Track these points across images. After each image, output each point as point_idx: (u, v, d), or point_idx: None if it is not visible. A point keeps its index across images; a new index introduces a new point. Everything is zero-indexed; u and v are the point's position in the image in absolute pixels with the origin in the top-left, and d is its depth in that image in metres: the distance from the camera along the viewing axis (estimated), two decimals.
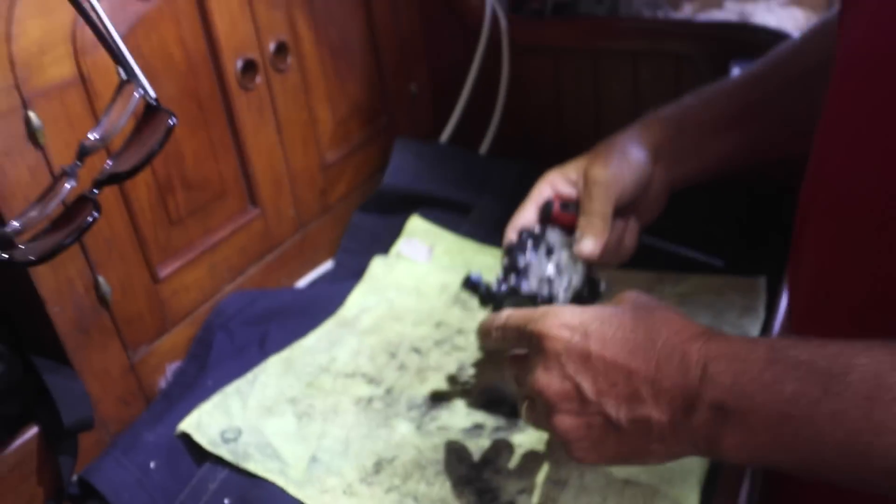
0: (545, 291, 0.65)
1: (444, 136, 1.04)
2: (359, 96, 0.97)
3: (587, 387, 0.48)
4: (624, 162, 0.69)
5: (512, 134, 1.04)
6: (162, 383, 0.77)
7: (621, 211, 0.69)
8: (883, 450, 0.39)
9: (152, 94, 0.54)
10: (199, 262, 0.79)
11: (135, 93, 0.54)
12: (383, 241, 0.95)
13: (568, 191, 0.72)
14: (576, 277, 0.67)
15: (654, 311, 0.49)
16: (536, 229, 0.70)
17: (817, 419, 0.41)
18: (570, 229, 0.70)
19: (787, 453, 0.43)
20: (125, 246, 0.71)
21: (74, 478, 0.66)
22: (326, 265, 0.96)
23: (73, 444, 0.67)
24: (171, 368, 0.78)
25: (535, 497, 0.61)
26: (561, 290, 0.66)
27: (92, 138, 0.54)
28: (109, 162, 0.54)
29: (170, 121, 0.53)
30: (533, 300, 0.65)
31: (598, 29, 0.94)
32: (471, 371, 0.75)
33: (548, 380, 0.50)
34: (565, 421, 0.49)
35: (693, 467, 0.60)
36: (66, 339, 0.67)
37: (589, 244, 0.68)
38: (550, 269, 0.67)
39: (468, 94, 1.03)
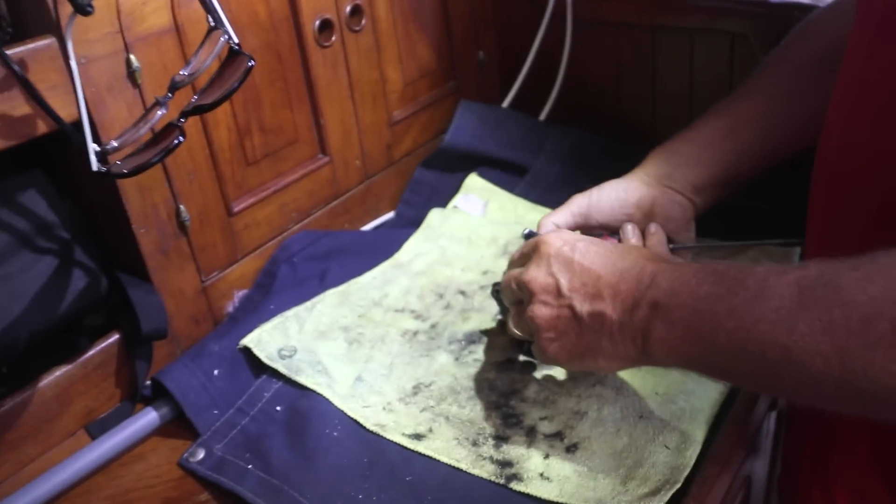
0: None
1: (507, 101, 1.09)
2: (428, 60, 1.03)
3: (564, 283, 0.58)
4: (604, 190, 0.79)
5: (571, 103, 1.09)
6: (229, 308, 0.85)
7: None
8: (757, 336, 0.46)
9: (235, 39, 0.62)
10: (270, 201, 0.87)
11: (221, 38, 0.61)
12: (442, 196, 1.02)
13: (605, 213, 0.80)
14: None
15: (636, 247, 0.63)
16: None
17: (718, 311, 0.49)
18: None
19: (695, 345, 0.51)
20: (205, 180, 0.79)
21: (148, 381, 0.75)
22: (387, 215, 1.03)
23: (148, 351, 0.76)
24: (239, 295, 0.86)
25: (555, 424, 0.66)
26: None
27: (182, 74, 0.62)
28: (195, 97, 0.62)
29: (249, 63, 0.61)
30: None
31: (657, 5, 0.97)
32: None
33: (536, 273, 0.60)
34: (541, 309, 0.59)
35: (703, 406, 0.64)
36: (149, 259, 0.75)
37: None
38: None
39: (531, 63, 1.08)
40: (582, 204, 0.79)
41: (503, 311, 0.76)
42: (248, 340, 0.74)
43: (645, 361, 0.56)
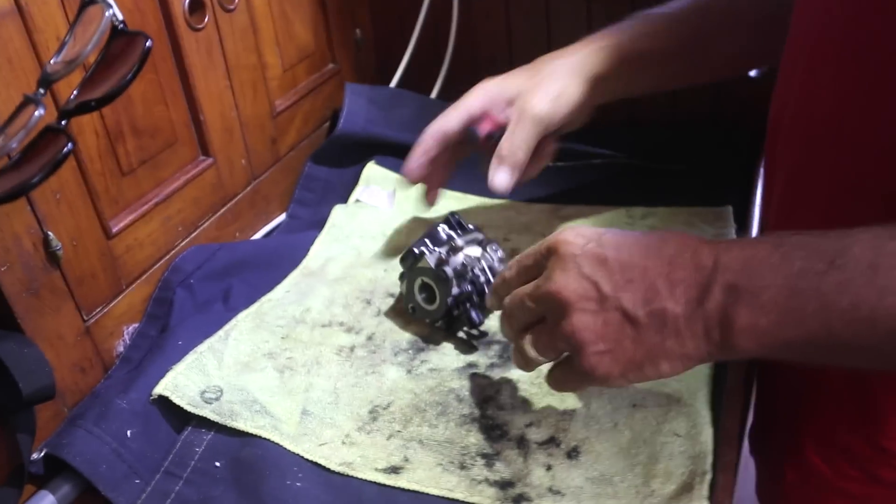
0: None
1: (394, 80, 1.00)
2: (306, 40, 0.92)
3: (605, 283, 0.47)
4: (562, 97, 0.69)
5: (462, 79, 1.01)
6: (119, 347, 0.71)
7: None
8: (885, 311, 0.40)
9: (119, 15, 0.49)
10: (153, 215, 0.73)
11: (104, 14, 0.48)
12: (338, 192, 0.92)
13: (498, 109, 0.72)
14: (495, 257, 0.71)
15: (669, 230, 0.50)
16: (443, 234, 0.71)
17: (824, 289, 0.42)
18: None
19: (796, 329, 0.43)
20: (75, 198, 0.65)
21: (36, 454, 0.60)
22: (279, 218, 0.91)
23: (30, 418, 0.61)
24: (129, 331, 0.72)
25: (545, 429, 0.59)
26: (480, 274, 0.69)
27: (55, 63, 0.48)
28: (76, 93, 0.49)
29: (146, 43, 0.48)
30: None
31: None
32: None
33: (564, 280, 0.48)
34: (583, 319, 0.48)
35: (697, 383, 0.60)
36: (15, 303, 0.60)
37: (504, 177, 0.69)
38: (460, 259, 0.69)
39: (416, 39, 0.99)
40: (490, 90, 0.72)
41: (407, 296, 0.71)
42: (162, 388, 0.61)
43: (722, 355, 0.47)
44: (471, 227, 0.73)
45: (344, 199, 0.90)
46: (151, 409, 0.61)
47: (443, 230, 0.71)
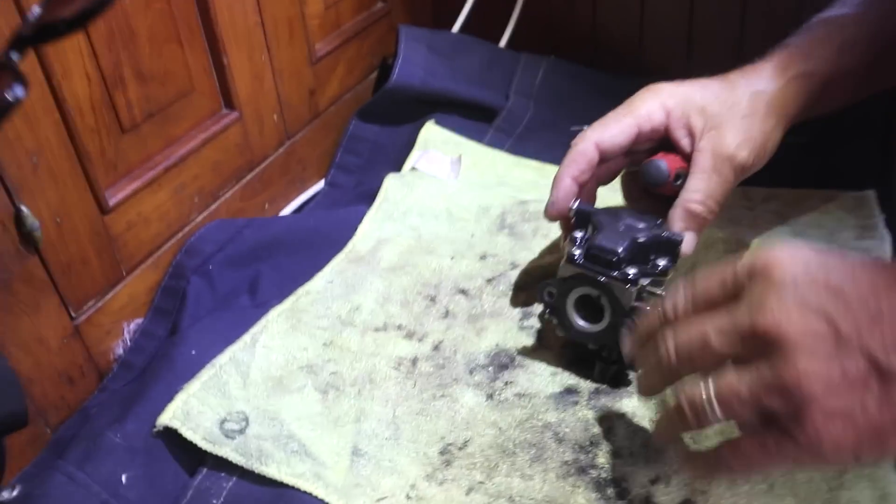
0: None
1: (457, 25, 0.84)
2: None
3: (843, 321, 0.34)
4: (767, 146, 0.53)
5: (535, 24, 0.85)
6: (119, 349, 0.56)
7: None
8: None
9: None
10: (162, 183, 0.58)
11: None
12: (389, 156, 0.76)
13: (677, 129, 0.53)
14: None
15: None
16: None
17: None
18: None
19: None
20: (59, 162, 0.50)
21: (7, 493, 0.46)
22: (317, 186, 0.76)
23: None
24: (131, 329, 0.57)
25: (677, 489, 0.44)
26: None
27: None
28: (35, 12, 0.33)
29: None
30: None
31: None
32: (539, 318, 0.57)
33: (786, 313, 0.35)
34: (813, 365, 0.34)
35: None
36: None
37: (692, 241, 0.51)
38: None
39: None
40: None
41: (557, 320, 0.51)
42: (169, 416, 0.46)
43: None
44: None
45: (395, 166, 0.74)
46: (155, 446, 0.46)
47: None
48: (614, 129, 0.53)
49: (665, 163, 0.52)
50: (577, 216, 0.52)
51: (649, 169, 0.52)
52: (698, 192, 0.51)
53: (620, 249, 0.47)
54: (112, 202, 0.53)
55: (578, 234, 0.51)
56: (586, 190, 0.55)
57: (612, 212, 0.52)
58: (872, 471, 0.43)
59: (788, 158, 0.68)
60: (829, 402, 0.34)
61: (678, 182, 0.52)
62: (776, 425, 0.36)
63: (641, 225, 0.51)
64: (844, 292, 0.35)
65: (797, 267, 0.36)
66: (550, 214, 0.54)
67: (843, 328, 0.34)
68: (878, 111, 0.69)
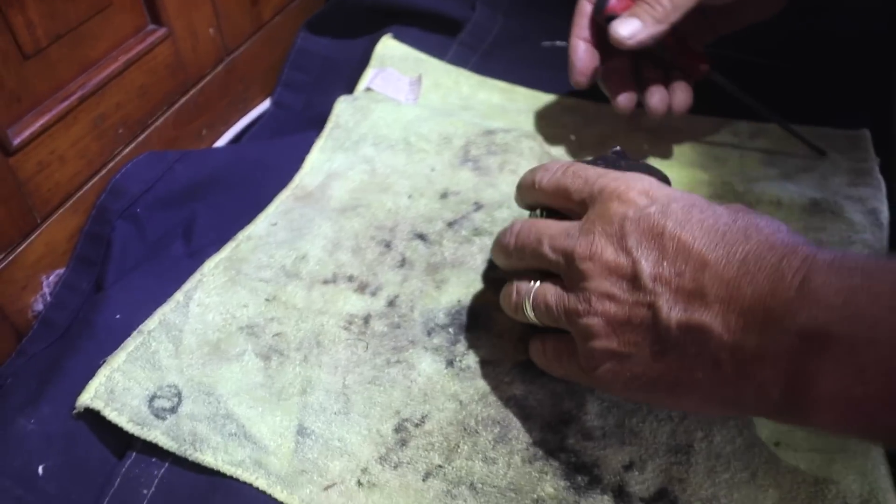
0: None
1: None
2: None
3: (646, 266, 0.36)
4: None
5: None
6: (39, 305, 0.50)
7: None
8: None
9: None
10: (78, 114, 0.50)
11: None
12: (341, 72, 0.68)
13: None
14: None
15: (762, 216, 0.36)
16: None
17: None
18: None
19: None
20: None
21: None
22: (262, 106, 0.69)
23: None
24: (51, 281, 0.51)
25: (652, 475, 0.41)
26: None
27: None
28: None
29: None
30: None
31: None
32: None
33: (600, 245, 0.37)
34: (602, 303, 0.37)
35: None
36: None
37: (634, 25, 0.51)
38: None
39: None
40: None
41: None
42: (90, 395, 0.41)
43: (783, 419, 0.33)
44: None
45: (348, 84, 0.66)
46: (75, 429, 0.41)
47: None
48: None
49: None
50: None
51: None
52: None
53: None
54: (17, 141, 0.46)
55: None
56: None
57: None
58: (862, 462, 0.40)
59: (784, 89, 0.63)
60: (607, 342, 0.36)
61: None
62: (568, 340, 0.39)
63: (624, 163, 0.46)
64: (664, 237, 0.35)
65: (634, 206, 0.37)
66: (576, 81, 0.56)
67: (643, 273, 0.35)
68: (879, 46, 0.63)
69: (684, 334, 0.34)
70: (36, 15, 0.46)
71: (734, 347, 0.33)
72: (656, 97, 0.55)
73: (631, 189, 0.38)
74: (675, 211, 0.36)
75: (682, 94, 0.55)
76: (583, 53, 0.56)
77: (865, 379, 0.29)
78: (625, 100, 0.56)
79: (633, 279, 0.36)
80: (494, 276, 0.51)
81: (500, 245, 0.44)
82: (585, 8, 0.56)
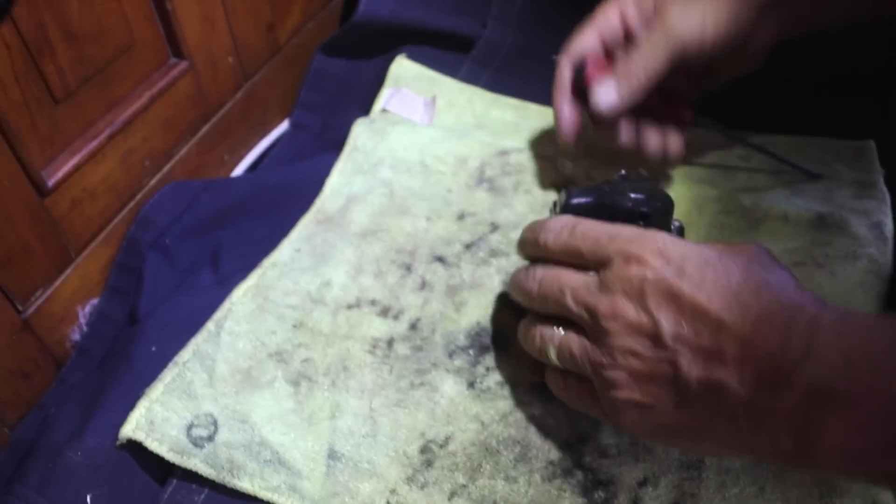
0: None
1: None
2: None
3: (667, 327, 0.38)
4: (718, 26, 0.50)
5: None
6: (76, 335, 0.53)
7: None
8: None
9: None
10: (107, 151, 0.53)
11: None
12: (357, 91, 0.70)
13: (638, 30, 0.54)
14: None
15: (771, 268, 0.39)
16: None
17: None
18: None
19: None
20: None
21: None
22: (280, 128, 0.70)
23: None
24: (87, 311, 0.53)
25: (665, 490, 0.42)
26: None
27: None
28: None
29: None
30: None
31: None
32: None
33: (622, 305, 0.39)
34: (626, 359, 0.39)
35: None
36: None
37: (609, 92, 0.52)
38: None
39: None
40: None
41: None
42: (132, 427, 0.43)
43: (797, 464, 0.38)
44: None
45: (364, 104, 0.68)
46: (119, 459, 0.43)
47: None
48: (577, 40, 0.55)
49: (587, 59, 0.54)
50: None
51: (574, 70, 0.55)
52: (625, 59, 0.52)
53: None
54: (51, 182, 0.48)
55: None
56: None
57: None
58: None
59: (791, 98, 0.64)
60: (630, 393, 0.39)
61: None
62: (591, 384, 0.41)
63: (631, 193, 0.47)
64: (682, 300, 0.37)
65: (652, 268, 0.38)
66: (563, 144, 0.56)
67: (664, 333, 0.37)
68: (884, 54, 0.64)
69: (704, 389, 0.37)
70: (65, 61, 0.48)
71: (749, 402, 0.35)
72: (653, 141, 0.56)
73: (646, 251, 0.39)
74: (690, 272, 0.38)
75: (675, 140, 0.56)
76: (569, 115, 0.56)
77: (864, 432, 0.32)
78: (627, 137, 0.56)
79: (655, 337, 0.38)
80: (511, 299, 0.53)
81: (522, 290, 0.45)
82: (565, 74, 0.56)
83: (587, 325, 0.41)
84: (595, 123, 0.56)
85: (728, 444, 0.38)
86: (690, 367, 0.37)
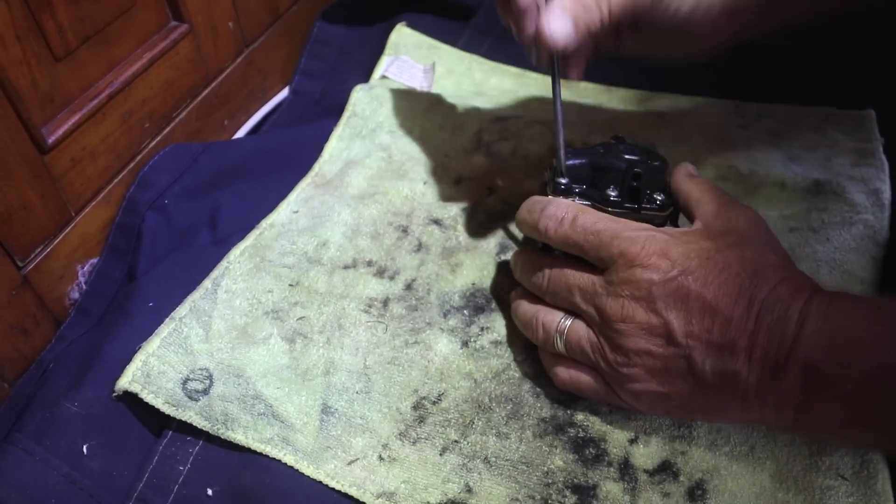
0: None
1: None
2: None
3: (678, 326, 0.39)
4: None
5: None
6: (75, 294, 0.53)
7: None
8: None
9: None
10: (106, 111, 0.53)
11: None
12: (357, 59, 0.70)
13: None
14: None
15: (764, 253, 0.40)
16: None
17: None
18: None
19: (889, 428, 0.36)
20: None
21: None
22: (281, 94, 0.71)
23: None
24: (86, 270, 0.54)
25: (656, 449, 0.43)
26: None
27: None
28: None
29: None
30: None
31: None
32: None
33: (631, 308, 0.40)
34: (642, 359, 0.40)
35: None
36: None
37: (562, 23, 0.45)
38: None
39: None
40: None
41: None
42: (128, 378, 0.44)
43: (802, 434, 0.42)
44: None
45: (364, 71, 0.68)
46: (115, 410, 0.44)
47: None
48: None
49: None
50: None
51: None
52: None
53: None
54: (51, 140, 0.49)
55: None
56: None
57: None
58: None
59: (792, 69, 0.64)
60: (648, 384, 0.40)
61: None
62: (599, 374, 0.43)
63: (626, 154, 0.47)
64: (690, 299, 0.39)
65: (658, 271, 0.39)
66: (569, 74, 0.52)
67: (677, 333, 0.39)
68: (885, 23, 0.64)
69: (718, 379, 0.39)
70: (66, 19, 0.48)
71: (757, 387, 0.38)
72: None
73: (650, 254, 0.40)
74: (694, 270, 0.39)
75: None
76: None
77: (847, 405, 0.35)
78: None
79: (668, 336, 0.39)
80: (506, 259, 0.53)
81: (533, 283, 0.46)
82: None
83: (596, 323, 0.42)
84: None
85: (739, 418, 0.40)
86: (704, 361, 0.39)
